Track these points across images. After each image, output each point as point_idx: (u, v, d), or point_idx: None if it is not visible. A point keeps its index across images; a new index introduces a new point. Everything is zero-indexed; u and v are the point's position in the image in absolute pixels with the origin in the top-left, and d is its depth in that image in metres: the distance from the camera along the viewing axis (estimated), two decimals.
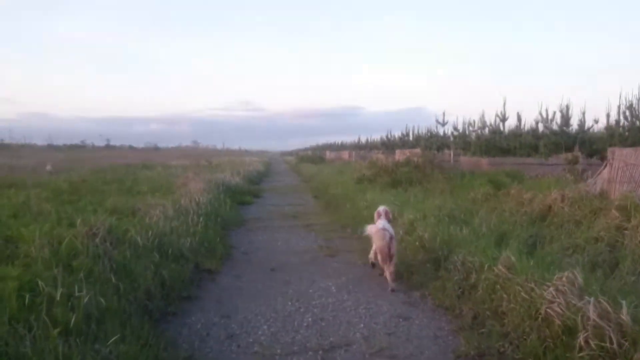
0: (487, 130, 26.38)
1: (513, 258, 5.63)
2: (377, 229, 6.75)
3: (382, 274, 6.82)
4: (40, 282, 4.42)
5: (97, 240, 6.11)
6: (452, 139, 30.36)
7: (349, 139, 70.71)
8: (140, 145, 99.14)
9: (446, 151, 26.16)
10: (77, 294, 4.52)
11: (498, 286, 5.35)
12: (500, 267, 5.60)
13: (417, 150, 19.80)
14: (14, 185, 13.52)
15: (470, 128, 28.68)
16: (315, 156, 45.62)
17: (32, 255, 5.59)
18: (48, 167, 23.61)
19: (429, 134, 33.56)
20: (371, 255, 7.23)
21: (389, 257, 6.48)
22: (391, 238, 6.55)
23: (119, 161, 31.14)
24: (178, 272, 6.41)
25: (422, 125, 37.90)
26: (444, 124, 31.29)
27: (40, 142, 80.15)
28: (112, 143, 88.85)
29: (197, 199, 11.02)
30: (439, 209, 9.91)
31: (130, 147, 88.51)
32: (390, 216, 7.50)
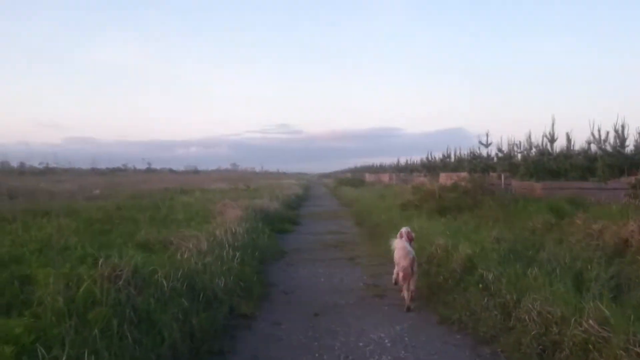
0: (534, 151, 25.11)
1: (606, 310, 4.68)
2: (404, 248, 7.08)
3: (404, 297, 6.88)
4: (39, 349, 3.69)
5: (121, 283, 5.41)
6: (495, 160, 29.13)
7: (388, 160, 69.64)
8: (181, 168, 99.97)
9: (492, 174, 25.01)
10: (86, 358, 3.81)
11: (590, 346, 4.40)
12: (590, 321, 4.66)
13: (464, 174, 18.74)
14: (48, 214, 13.13)
15: (516, 149, 27.42)
16: (355, 179, 44.73)
17: (45, 303, 4.93)
18: (96, 192, 23.88)
19: (471, 156, 32.37)
20: (394, 276, 7.36)
21: (410, 276, 6.74)
22: (413, 259, 6.89)
23: (157, 185, 30.90)
24: (210, 320, 5.64)
25: (462, 146, 36.58)
26: (487, 145, 30.00)
27: (84, 165, 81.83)
28: (153, 166, 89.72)
29: (233, 229, 10.29)
30: (497, 241, 8.95)
31: (171, 171, 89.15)
32: (412, 236, 7.82)
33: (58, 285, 5.06)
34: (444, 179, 22.04)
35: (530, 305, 5.49)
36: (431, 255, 9.05)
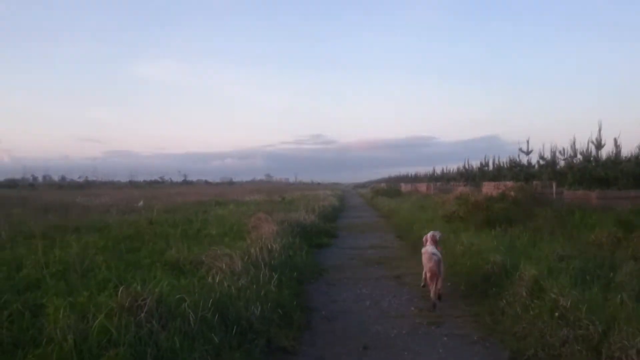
0: (579, 158, 23.72)
1: None
2: (427, 252, 7.78)
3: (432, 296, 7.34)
4: None
5: (142, 315, 4.67)
6: (537, 168, 27.78)
7: (422, 169, 68.23)
8: (217, 180, 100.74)
9: (535, 183, 23.75)
10: None
11: None
12: None
13: (509, 183, 17.65)
14: (78, 230, 12.64)
15: (560, 156, 26.05)
16: (391, 189, 43.54)
17: (56, 340, 4.23)
18: (140, 204, 24.40)
19: (511, 164, 31.03)
20: (423, 276, 8.09)
21: (436, 277, 7.30)
22: (439, 261, 7.44)
23: (193, 198, 30.53)
24: (245, 357, 4.86)
25: (498, 154, 35.31)
26: (528, 153, 28.70)
27: (122, 179, 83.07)
28: (189, 178, 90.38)
29: (269, 246, 9.54)
30: (562, 258, 7.98)
31: (206, 182, 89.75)
32: (437, 239, 8.39)
33: (70, 320, 4.37)
34: (488, 188, 20.91)
35: (625, 342, 4.56)
36: (487, 274, 8.13)
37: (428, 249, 7.90)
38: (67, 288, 5.99)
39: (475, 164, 37.27)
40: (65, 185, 56.20)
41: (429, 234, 8.44)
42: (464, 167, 40.35)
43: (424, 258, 7.82)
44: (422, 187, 38.27)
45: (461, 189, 26.53)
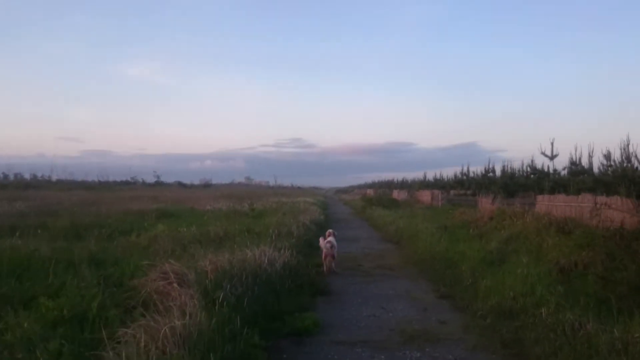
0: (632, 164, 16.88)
1: None
2: (329, 243, 10.62)
3: (325, 270, 10.39)
4: None
5: None
6: (554, 175, 21.03)
7: (407, 174, 61.22)
8: (196, 181, 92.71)
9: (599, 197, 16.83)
10: None
11: None
12: None
13: (617, 200, 10.53)
14: None
15: (605, 161, 19.18)
16: (385, 197, 35.74)
17: None
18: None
19: (529, 170, 24.05)
20: (323, 258, 10.60)
21: (330, 258, 10.43)
22: (332, 247, 10.52)
23: (135, 206, 22.78)
24: None
25: (475, 161, 28.37)
26: (552, 157, 21.72)
27: (97, 178, 75.47)
28: (163, 180, 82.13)
29: None
30: None
31: (180, 184, 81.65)
32: (334, 233, 11.42)
33: None
34: (546, 205, 13.83)
35: None
36: None
37: (331, 240, 10.75)
38: None
39: (477, 169, 30.02)
40: (10, 185, 47.83)
41: (330, 231, 11.57)
42: (462, 173, 33.31)
43: (324, 245, 10.71)
44: (424, 196, 30.97)
45: (487, 201, 19.45)
